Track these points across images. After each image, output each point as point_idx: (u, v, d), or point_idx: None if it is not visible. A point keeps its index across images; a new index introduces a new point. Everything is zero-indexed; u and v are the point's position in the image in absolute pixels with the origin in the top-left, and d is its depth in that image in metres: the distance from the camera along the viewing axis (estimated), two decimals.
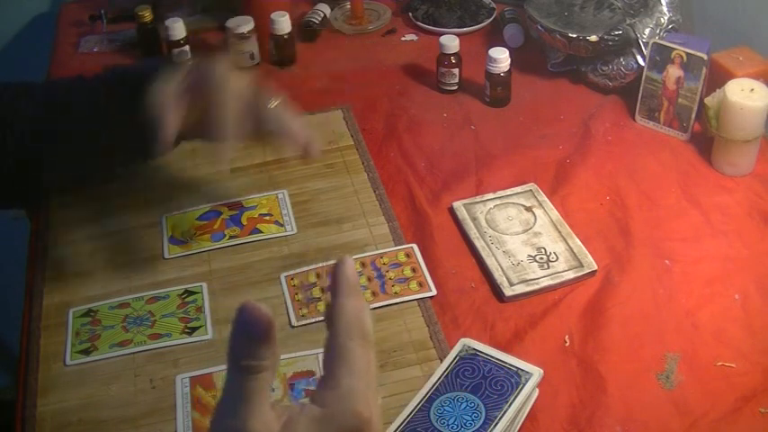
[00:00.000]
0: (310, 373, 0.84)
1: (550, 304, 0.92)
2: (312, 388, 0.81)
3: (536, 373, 0.80)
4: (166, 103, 0.87)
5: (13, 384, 0.88)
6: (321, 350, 0.88)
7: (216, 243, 0.99)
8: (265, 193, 1.06)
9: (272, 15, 1.31)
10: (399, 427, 0.77)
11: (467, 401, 0.78)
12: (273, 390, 0.81)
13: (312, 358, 0.85)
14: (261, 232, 1.00)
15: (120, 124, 0.95)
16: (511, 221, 1.01)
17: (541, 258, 0.96)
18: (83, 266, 0.98)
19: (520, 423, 0.79)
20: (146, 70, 0.95)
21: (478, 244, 0.98)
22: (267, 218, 1.02)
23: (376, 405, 0.50)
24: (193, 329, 0.89)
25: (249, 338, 0.47)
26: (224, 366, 0.88)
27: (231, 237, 1.00)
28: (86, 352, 0.87)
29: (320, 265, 0.96)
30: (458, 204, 1.04)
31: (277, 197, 1.05)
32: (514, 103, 1.24)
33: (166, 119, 0.87)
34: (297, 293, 0.93)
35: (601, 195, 1.06)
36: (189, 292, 0.93)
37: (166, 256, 0.98)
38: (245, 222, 1.01)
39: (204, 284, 0.94)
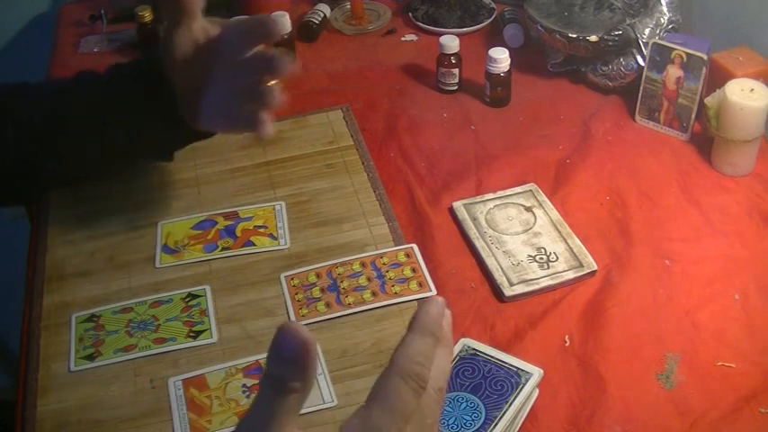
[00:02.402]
0: None
1: (550, 304, 0.92)
2: None
3: (536, 373, 0.80)
4: None
5: (14, 384, 0.88)
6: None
7: (208, 254, 0.98)
8: (263, 204, 1.05)
9: (272, 15, 1.30)
10: None
11: (467, 401, 0.78)
12: None
13: None
14: (254, 245, 0.99)
15: (129, 118, 0.96)
16: (511, 221, 1.01)
17: (541, 258, 0.96)
18: (83, 266, 0.98)
19: (520, 423, 0.79)
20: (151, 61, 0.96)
21: (478, 244, 0.98)
22: (262, 230, 1.01)
23: None
24: (198, 333, 0.89)
25: (283, 360, 0.46)
26: (218, 366, 0.88)
27: (224, 248, 0.99)
28: (91, 357, 0.87)
29: (320, 265, 0.96)
30: (458, 204, 1.04)
31: (274, 209, 1.04)
32: (514, 103, 1.24)
33: None
34: (297, 293, 0.93)
35: (601, 195, 1.06)
36: (192, 296, 0.93)
37: (158, 265, 0.98)
38: (239, 234, 1.00)
39: (208, 287, 0.94)
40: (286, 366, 0.46)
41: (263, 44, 0.88)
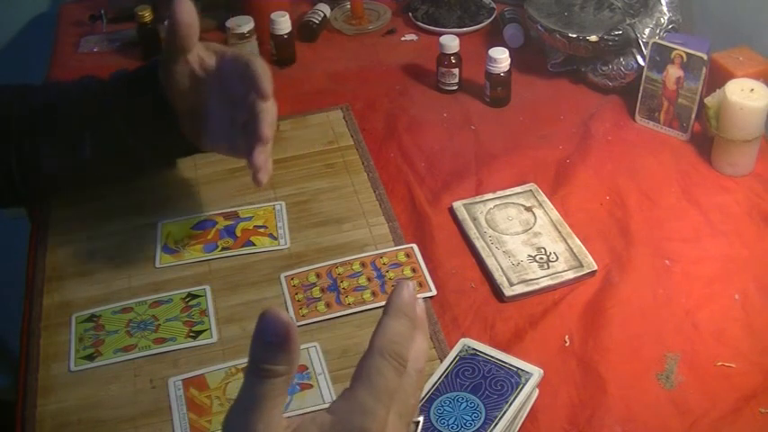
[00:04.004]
0: (303, 368, 0.84)
1: (550, 304, 0.92)
2: (306, 382, 0.82)
3: (536, 373, 0.80)
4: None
5: (14, 384, 0.88)
6: (314, 344, 0.89)
7: (208, 254, 0.98)
8: (263, 204, 1.05)
9: (272, 15, 1.31)
10: None
11: (467, 401, 0.78)
12: None
13: (303, 352, 0.85)
14: (254, 245, 0.99)
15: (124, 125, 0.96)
16: (511, 221, 1.01)
17: (541, 258, 0.96)
18: (83, 266, 0.98)
19: (520, 423, 0.79)
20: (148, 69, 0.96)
21: (478, 244, 0.98)
22: (262, 230, 1.01)
23: (394, 429, 0.49)
24: (198, 333, 0.89)
25: (266, 344, 0.47)
26: (218, 366, 0.89)
27: (224, 248, 0.99)
28: (91, 358, 0.87)
29: (320, 265, 0.96)
30: (458, 204, 1.04)
31: (274, 208, 1.04)
32: (514, 103, 1.24)
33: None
34: (297, 293, 0.93)
35: (601, 195, 1.06)
36: (192, 296, 0.93)
37: (158, 265, 0.98)
38: (239, 234, 1.00)
39: (208, 287, 0.94)
40: (270, 350, 0.47)
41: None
